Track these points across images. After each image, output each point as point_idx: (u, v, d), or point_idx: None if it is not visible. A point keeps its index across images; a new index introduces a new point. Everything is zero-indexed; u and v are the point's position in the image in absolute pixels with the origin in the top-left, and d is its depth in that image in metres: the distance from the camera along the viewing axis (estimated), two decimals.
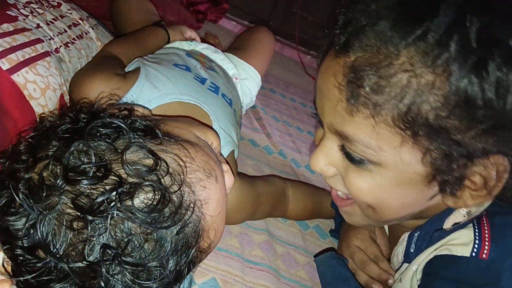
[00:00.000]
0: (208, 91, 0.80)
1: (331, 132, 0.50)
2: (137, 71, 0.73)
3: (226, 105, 0.83)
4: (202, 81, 0.81)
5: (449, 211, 0.53)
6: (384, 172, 0.48)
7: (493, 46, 0.39)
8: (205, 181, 0.47)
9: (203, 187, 0.46)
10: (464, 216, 0.53)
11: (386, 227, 0.76)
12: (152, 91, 0.70)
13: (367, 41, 0.42)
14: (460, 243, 0.49)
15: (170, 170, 0.43)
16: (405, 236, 0.59)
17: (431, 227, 0.55)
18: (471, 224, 0.51)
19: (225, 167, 0.56)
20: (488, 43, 0.39)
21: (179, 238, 0.42)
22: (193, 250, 0.44)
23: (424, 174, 0.46)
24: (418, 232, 0.56)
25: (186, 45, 0.98)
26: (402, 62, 0.41)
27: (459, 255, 0.49)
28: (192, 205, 0.44)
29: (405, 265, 0.59)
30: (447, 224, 0.53)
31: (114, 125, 0.44)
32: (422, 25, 0.40)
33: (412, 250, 0.57)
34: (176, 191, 0.42)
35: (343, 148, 0.50)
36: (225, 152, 0.75)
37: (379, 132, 0.44)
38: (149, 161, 0.42)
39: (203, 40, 1.35)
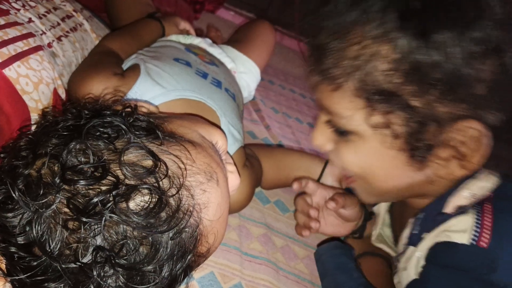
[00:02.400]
0: (211, 86, 0.79)
1: (320, 108, 0.56)
2: (136, 68, 0.72)
3: (230, 100, 0.82)
4: (204, 76, 0.80)
5: (451, 191, 0.53)
6: (362, 142, 0.52)
7: (433, 8, 0.42)
8: (206, 185, 0.45)
9: (203, 190, 0.45)
10: (466, 198, 0.52)
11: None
12: (155, 88, 0.69)
13: (328, 24, 0.49)
14: (459, 230, 0.49)
15: (169, 172, 0.42)
16: (411, 220, 0.60)
17: (434, 208, 0.55)
18: (474, 210, 0.50)
19: (231, 167, 0.55)
20: (427, 5, 0.42)
21: (175, 243, 0.41)
22: (190, 255, 0.43)
23: (393, 141, 0.50)
24: (422, 214, 0.57)
25: (183, 39, 0.96)
26: (352, 36, 0.46)
27: (458, 242, 0.48)
28: (190, 209, 0.42)
29: (410, 249, 0.58)
30: (449, 206, 0.53)
31: (114, 124, 0.43)
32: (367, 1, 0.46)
33: (415, 232, 0.57)
34: (174, 195, 0.41)
35: (330, 122, 0.55)
36: (234, 149, 0.74)
37: (347, 102, 0.50)
38: (148, 163, 0.41)
39: (201, 33, 1.34)
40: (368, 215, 0.79)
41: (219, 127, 0.67)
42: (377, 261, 0.76)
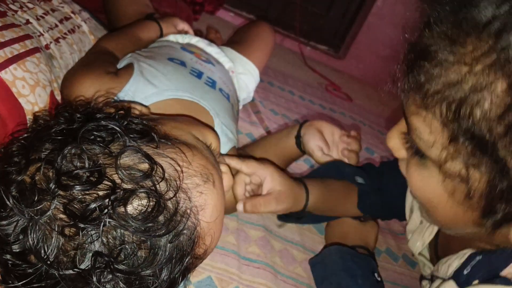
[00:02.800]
0: (205, 86, 0.79)
1: (404, 115, 0.46)
2: (130, 67, 0.72)
3: (224, 100, 0.82)
4: (199, 75, 0.80)
5: None
6: (435, 173, 0.43)
7: None
8: (202, 187, 0.45)
9: (199, 192, 0.45)
10: None
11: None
12: (148, 88, 0.69)
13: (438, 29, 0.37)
14: None
15: (166, 175, 0.42)
16: (467, 253, 0.52)
17: (496, 259, 0.48)
18: None
19: (224, 168, 0.55)
20: None
21: (173, 246, 0.40)
22: (188, 257, 0.43)
23: (462, 190, 0.41)
24: (481, 257, 0.50)
25: (181, 38, 0.96)
26: (468, 50, 0.34)
27: None
28: (188, 211, 0.42)
29: (451, 284, 0.52)
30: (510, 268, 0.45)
31: (108, 127, 0.43)
32: (490, 10, 0.33)
33: (465, 272, 0.51)
34: (171, 198, 0.41)
35: (408, 135, 0.47)
36: (226, 148, 0.74)
37: (430, 125, 0.39)
38: (145, 166, 0.41)
39: (200, 34, 1.34)
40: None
41: (212, 128, 0.66)
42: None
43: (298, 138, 0.81)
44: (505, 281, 0.44)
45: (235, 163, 0.67)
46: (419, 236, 0.69)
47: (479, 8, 0.34)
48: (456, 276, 0.52)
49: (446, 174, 0.41)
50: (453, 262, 0.54)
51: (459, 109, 0.35)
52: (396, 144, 0.50)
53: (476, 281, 0.48)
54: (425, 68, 0.37)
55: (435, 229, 0.67)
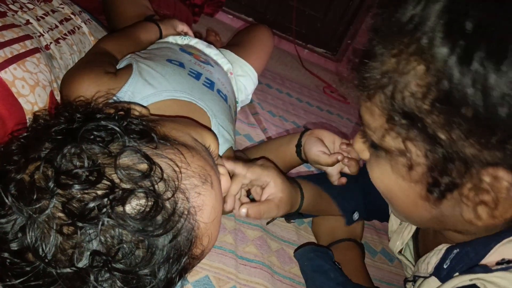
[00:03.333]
0: (203, 87, 0.79)
1: (359, 114, 0.51)
2: (129, 68, 0.72)
3: (222, 101, 0.82)
4: (197, 76, 0.81)
5: (498, 237, 0.46)
6: (388, 161, 0.47)
7: (484, 35, 0.35)
8: (200, 188, 0.46)
9: (198, 193, 0.45)
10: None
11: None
12: (146, 88, 0.70)
13: (388, 21, 0.43)
14: (502, 286, 0.42)
15: (165, 176, 0.42)
16: (443, 248, 0.54)
17: (473, 251, 0.49)
18: None
19: (222, 170, 0.55)
20: (481, 30, 0.35)
21: (171, 246, 0.41)
22: (185, 257, 0.43)
23: (407, 171, 0.45)
24: (458, 250, 0.51)
25: (180, 40, 0.97)
26: (397, 43, 0.41)
27: None
28: (186, 212, 0.43)
29: (434, 280, 0.53)
30: (492, 256, 0.46)
31: (108, 127, 0.43)
32: (409, 11, 0.39)
33: (445, 266, 0.52)
34: (169, 198, 0.41)
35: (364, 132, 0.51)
36: (223, 149, 0.74)
37: (375, 115, 0.45)
38: (143, 166, 0.41)
39: (200, 36, 1.34)
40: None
41: (211, 130, 0.67)
42: (350, 246, 0.79)
43: (299, 147, 0.81)
44: (484, 268, 0.45)
45: (240, 168, 0.68)
46: (398, 236, 0.71)
47: (402, 10, 0.40)
48: (437, 271, 0.53)
49: (389, 152, 0.46)
50: (431, 259, 0.55)
51: (393, 93, 0.41)
52: (360, 146, 0.54)
53: (457, 274, 0.49)
54: (367, 64, 0.44)
55: (413, 228, 0.69)
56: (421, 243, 0.69)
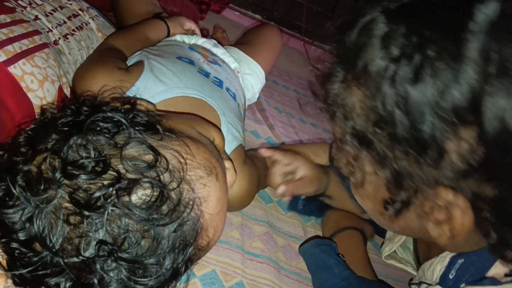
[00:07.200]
0: (213, 85, 0.79)
1: None
2: (140, 64, 0.73)
3: (231, 99, 0.82)
4: (206, 75, 0.81)
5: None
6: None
7: (405, 60, 0.35)
8: (206, 179, 0.46)
9: (203, 185, 0.45)
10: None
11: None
12: (158, 85, 0.70)
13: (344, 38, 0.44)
14: None
15: (170, 166, 0.42)
16: (447, 256, 0.53)
17: (478, 260, 0.48)
18: None
19: (228, 164, 0.56)
20: (402, 56, 0.35)
21: (176, 235, 0.41)
22: (191, 248, 0.43)
23: (358, 186, 0.47)
24: (463, 260, 0.50)
25: (187, 39, 0.97)
26: (342, 73, 0.43)
27: None
28: (191, 202, 0.43)
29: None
30: (499, 266, 0.45)
31: (114, 119, 0.44)
32: (350, 36, 0.40)
33: (451, 277, 0.52)
34: (175, 188, 0.42)
35: None
36: (232, 146, 0.75)
37: (335, 131, 0.47)
38: (149, 157, 0.42)
39: (206, 33, 1.35)
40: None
41: (216, 126, 0.67)
42: (350, 236, 0.81)
43: (332, 160, 0.88)
44: (493, 281, 0.45)
45: (278, 155, 0.82)
46: (390, 242, 0.75)
47: (347, 35, 0.41)
48: (443, 281, 0.53)
49: (345, 167, 0.47)
50: (436, 267, 0.55)
51: (344, 114, 0.43)
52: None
53: (462, 285, 0.48)
54: (327, 86, 0.45)
55: (404, 236, 0.73)
56: (421, 248, 0.70)
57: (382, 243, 0.83)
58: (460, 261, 0.51)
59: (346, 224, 0.84)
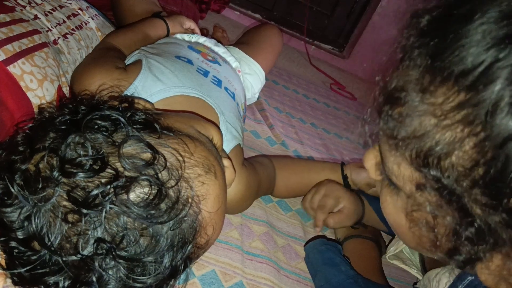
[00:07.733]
0: (211, 84, 0.79)
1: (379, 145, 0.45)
2: (138, 63, 0.73)
3: (230, 99, 0.82)
4: (205, 74, 0.81)
5: None
6: (405, 200, 0.42)
7: None
8: (204, 177, 0.46)
9: (201, 182, 0.45)
10: None
11: None
12: (156, 84, 0.70)
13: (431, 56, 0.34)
14: None
15: (168, 164, 0.42)
16: (456, 270, 0.51)
17: None
18: None
19: (226, 162, 0.56)
20: None
21: (175, 233, 0.41)
22: (190, 246, 0.43)
23: (428, 235, 0.40)
24: (472, 277, 0.48)
25: (187, 37, 0.97)
26: (432, 103, 0.32)
27: None
28: (189, 200, 0.43)
29: None
30: None
31: (112, 117, 0.44)
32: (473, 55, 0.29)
33: None
34: (173, 186, 0.42)
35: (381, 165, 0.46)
36: (231, 146, 0.74)
37: (400, 166, 0.38)
38: (147, 155, 0.42)
39: (206, 32, 1.34)
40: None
41: (215, 124, 0.67)
42: (364, 243, 0.80)
43: (345, 179, 0.94)
44: None
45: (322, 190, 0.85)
46: (396, 242, 0.75)
47: (458, 53, 0.30)
48: None
49: (412, 221, 0.40)
50: (442, 277, 0.54)
51: (427, 159, 0.33)
52: (371, 166, 0.48)
53: None
54: (394, 113, 0.35)
55: None
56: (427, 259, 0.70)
57: (388, 243, 0.83)
58: (470, 278, 0.49)
59: (363, 233, 0.84)
